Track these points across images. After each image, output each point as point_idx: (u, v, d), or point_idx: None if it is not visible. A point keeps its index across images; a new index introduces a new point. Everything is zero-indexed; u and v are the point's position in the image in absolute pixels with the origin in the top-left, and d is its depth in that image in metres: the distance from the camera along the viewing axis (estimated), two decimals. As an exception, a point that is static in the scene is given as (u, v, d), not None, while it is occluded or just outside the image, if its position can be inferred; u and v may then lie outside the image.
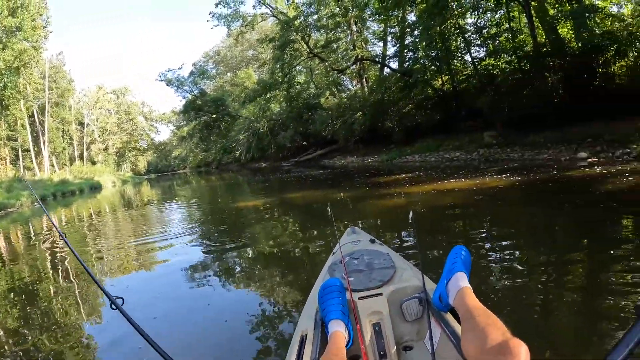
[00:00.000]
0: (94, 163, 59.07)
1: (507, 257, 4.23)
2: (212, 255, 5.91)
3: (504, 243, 4.74)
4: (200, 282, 4.52)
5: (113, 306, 1.93)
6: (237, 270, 5.07)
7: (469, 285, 1.70)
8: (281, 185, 17.40)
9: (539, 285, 3.43)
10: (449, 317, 1.78)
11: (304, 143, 36.17)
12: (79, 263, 2.30)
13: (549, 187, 7.95)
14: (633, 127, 10.52)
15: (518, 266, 3.89)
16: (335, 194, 11.38)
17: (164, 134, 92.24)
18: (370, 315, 1.92)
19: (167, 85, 49.04)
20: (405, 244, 5.01)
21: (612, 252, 3.97)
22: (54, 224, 2.98)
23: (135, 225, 10.69)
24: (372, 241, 3.00)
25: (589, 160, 10.14)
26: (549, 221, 5.66)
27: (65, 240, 2.51)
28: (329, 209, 3.40)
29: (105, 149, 66.72)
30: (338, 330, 1.75)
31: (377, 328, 1.88)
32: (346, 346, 1.72)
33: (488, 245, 4.66)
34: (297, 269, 4.79)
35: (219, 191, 19.97)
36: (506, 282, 3.55)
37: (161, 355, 1.59)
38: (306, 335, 1.82)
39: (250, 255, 5.65)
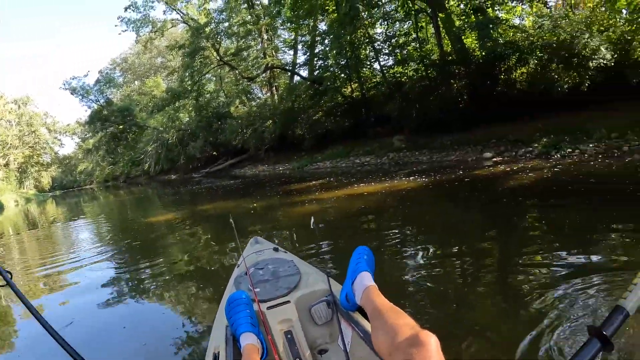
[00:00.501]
0: (-7, 180, 55.19)
1: (419, 253, 4.27)
2: (123, 275, 5.52)
3: (415, 241, 4.96)
4: (114, 305, 4.23)
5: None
6: (151, 289, 4.75)
7: (374, 283, 1.73)
8: (192, 197, 16.93)
9: (453, 278, 3.52)
10: (357, 316, 1.81)
11: (214, 153, 35.42)
12: None
13: (457, 186, 8.15)
14: (534, 129, 10.94)
15: (430, 261, 3.96)
16: (246, 203, 11.13)
17: (68, 147, 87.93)
18: (281, 323, 1.92)
19: (72, 94, 46.78)
20: (312, 250, 4.97)
21: (517, 242, 4.23)
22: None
23: (41, 247, 9.78)
24: (276, 249, 2.97)
25: (494, 159, 10.40)
26: (458, 218, 5.90)
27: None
28: (231, 220, 3.31)
29: (6, 165, 61.79)
30: (250, 343, 1.73)
31: (289, 336, 1.88)
32: (261, 358, 1.72)
33: (399, 244, 4.77)
34: (211, 283, 4.60)
35: (128, 206, 19.15)
36: (420, 278, 3.57)
37: (53, 337, 1.59)
38: (218, 352, 1.79)
39: (163, 273, 5.29)
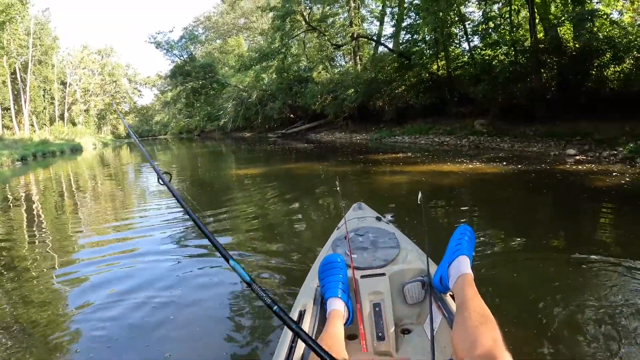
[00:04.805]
0: (74, 124, 58.53)
1: (507, 241, 4.53)
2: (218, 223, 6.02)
3: (505, 226, 5.01)
4: (205, 256, 4.55)
5: (160, 181, 1.94)
6: (245, 239, 5.10)
7: (470, 271, 1.68)
8: (266, 156, 17.69)
9: (513, 268, 3.69)
10: (450, 302, 1.79)
11: (292, 116, 36.11)
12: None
13: (536, 179, 8.28)
14: (621, 130, 10.87)
15: (518, 252, 4.15)
16: (331, 167, 11.75)
17: (147, 97, 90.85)
18: (371, 294, 1.91)
19: (157, 47, 48.07)
20: (409, 224, 5.08)
21: (588, 243, 4.33)
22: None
23: (111, 187, 11.13)
24: (379, 219, 2.95)
25: (577, 157, 10.38)
26: (533, 210, 6.09)
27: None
28: (337, 182, 3.33)
29: (87, 111, 65.65)
30: (337, 308, 1.74)
31: (377, 308, 1.86)
32: (345, 324, 1.73)
33: (489, 227, 4.94)
34: (301, 242, 4.88)
35: (200, 158, 20.50)
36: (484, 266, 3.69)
37: (198, 226, 1.63)
38: (304, 311, 1.82)
39: (255, 226, 5.78)
